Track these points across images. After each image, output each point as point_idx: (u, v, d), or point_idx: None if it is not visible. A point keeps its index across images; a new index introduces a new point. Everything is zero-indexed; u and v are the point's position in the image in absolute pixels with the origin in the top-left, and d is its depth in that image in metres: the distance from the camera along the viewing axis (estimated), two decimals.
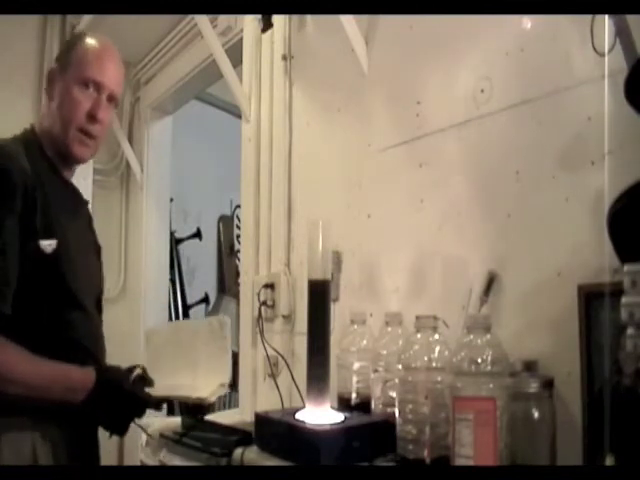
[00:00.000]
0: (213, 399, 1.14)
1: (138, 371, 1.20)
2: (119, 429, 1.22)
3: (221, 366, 1.20)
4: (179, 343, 1.29)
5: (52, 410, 1.11)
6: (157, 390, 1.20)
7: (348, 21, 1.51)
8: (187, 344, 1.27)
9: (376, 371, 1.17)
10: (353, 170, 1.58)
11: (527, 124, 1.14)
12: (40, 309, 1.13)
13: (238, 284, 2.17)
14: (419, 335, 1.03)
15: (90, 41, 1.25)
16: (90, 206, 1.43)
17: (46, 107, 1.27)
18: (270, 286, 1.80)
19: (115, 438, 1.32)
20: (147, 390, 1.18)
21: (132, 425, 1.30)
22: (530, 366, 0.99)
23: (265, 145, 1.93)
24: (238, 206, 3.39)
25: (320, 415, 1.09)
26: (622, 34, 0.91)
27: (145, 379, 1.20)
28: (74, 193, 1.30)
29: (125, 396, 1.14)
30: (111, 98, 1.24)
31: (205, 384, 1.17)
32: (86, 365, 1.15)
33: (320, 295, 1.16)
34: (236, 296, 2.67)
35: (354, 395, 1.24)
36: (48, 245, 1.12)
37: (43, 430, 1.11)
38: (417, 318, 1.05)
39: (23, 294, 1.10)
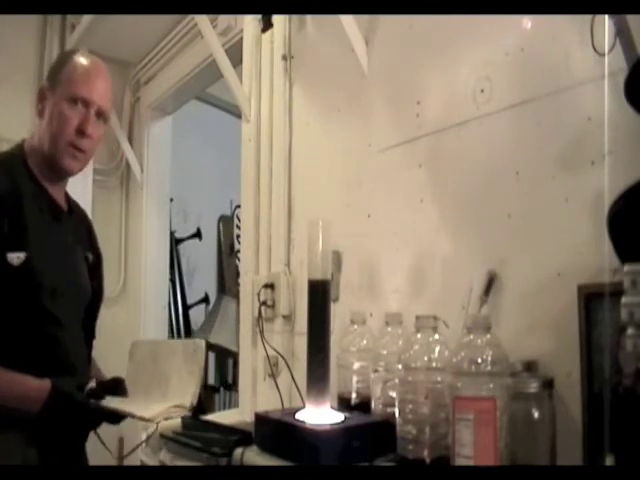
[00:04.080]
0: (157, 420, 1.15)
1: (92, 384, 1.21)
2: (76, 439, 1.24)
3: (187, 389, 1.22)
4: (157, 360, 1.32)
5: (37, 419, 1.11)
6: (110, 403, 1.20)
7: (348, 21, 1.51)
8: (164, 362, 1.30)
9: (376, 371, 1.17)
10: (353, 170, 1.58)
11: (527, 124, 1.14)
12: (8, 322, 1.13)
13: (238, 284, 2.17)
14: (419, 335, 1.03)
15: (79, 59, 1.28)
16: (82, 215, 1.44)
17: (37, 124, 1.28)
18: (270, 286, 1.80)
19: (115, 438, 1.32)
20: (103, 402, 1.18)
21: (132, 426, 1.30)
22: (530, 366, 0.99)
23: (265, 145, 1.93)
24: (238, 206, 3.39)
25: (320, 415, 1.09)
26: (622, 34, 0.91)
27: (101, 392, 1.20)
28: (58, 206, 1.29)
29: (76, 407, 1.14)
30: (100, 113, 1.27)
31: (161, 404, 1.18)
32: (62, 377, 1.16)
33: (320, 295, 1.16)
34: (236, 296, 2.67)
35: (354, 395, 1.24)
36: (16, 257, 1.12)
37: (29, 438, 1.12)
38: (417, 318, 1.05)
39: None
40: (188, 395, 1.20)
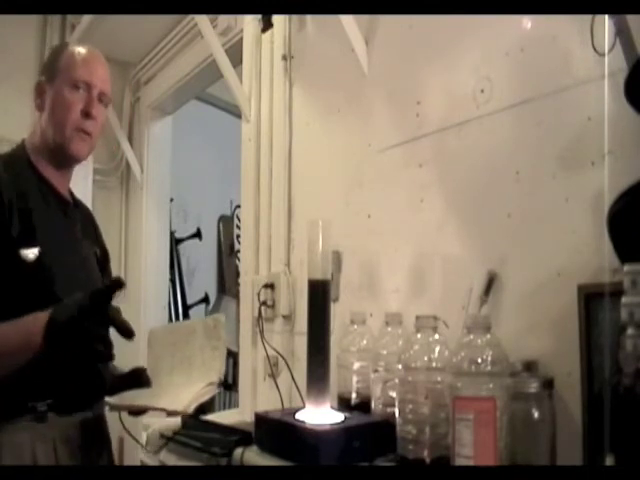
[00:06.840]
0: (191, 409, 1.13)
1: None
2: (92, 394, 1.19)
3: (213, 365, 1.20)
4: (177, 342, 1.30)
5: (51, 410, 1.10)
6: (139, 399, 1.19)
7: (348, 21, 1.51)
8: (184, 343, 1.28)
9: (376, 371, 1.17)
10: (353, 170, 1.58)
11: (527, 124, 1.15)
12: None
13: (238, 284, 2.17)
14: (419, 335, 1.03)
15: (74, 48, 1.29)
16: (87, 211, 1.43)
17: (37, 119, 1.28)
18: (270, 286, 1.80)
19: (115, 438, 1.31)
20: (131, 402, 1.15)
21: (132, 426, 1.30)
22: (530, 366, 0.99)
23: (265, 145, 1.93)
24: (238, 206, 3.39)
25: (320, 415, 1.09)
26: (622, 34, 0.91)
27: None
28: (65, 200, 1.29)
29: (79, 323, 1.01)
30: (102, 96, 1.27)
31: (189, 391, 1.17)
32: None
33: (320, 295, 1.15)
34: (236, 296, 2.68)
35: (354, 395, 1.24)
36: (30, 253, 1.11)
37: (42, 432, 1.10)
38: (417, 318, 1.05)
39: (7, 305, 1.09)
40: (214, 371, 1.19)
